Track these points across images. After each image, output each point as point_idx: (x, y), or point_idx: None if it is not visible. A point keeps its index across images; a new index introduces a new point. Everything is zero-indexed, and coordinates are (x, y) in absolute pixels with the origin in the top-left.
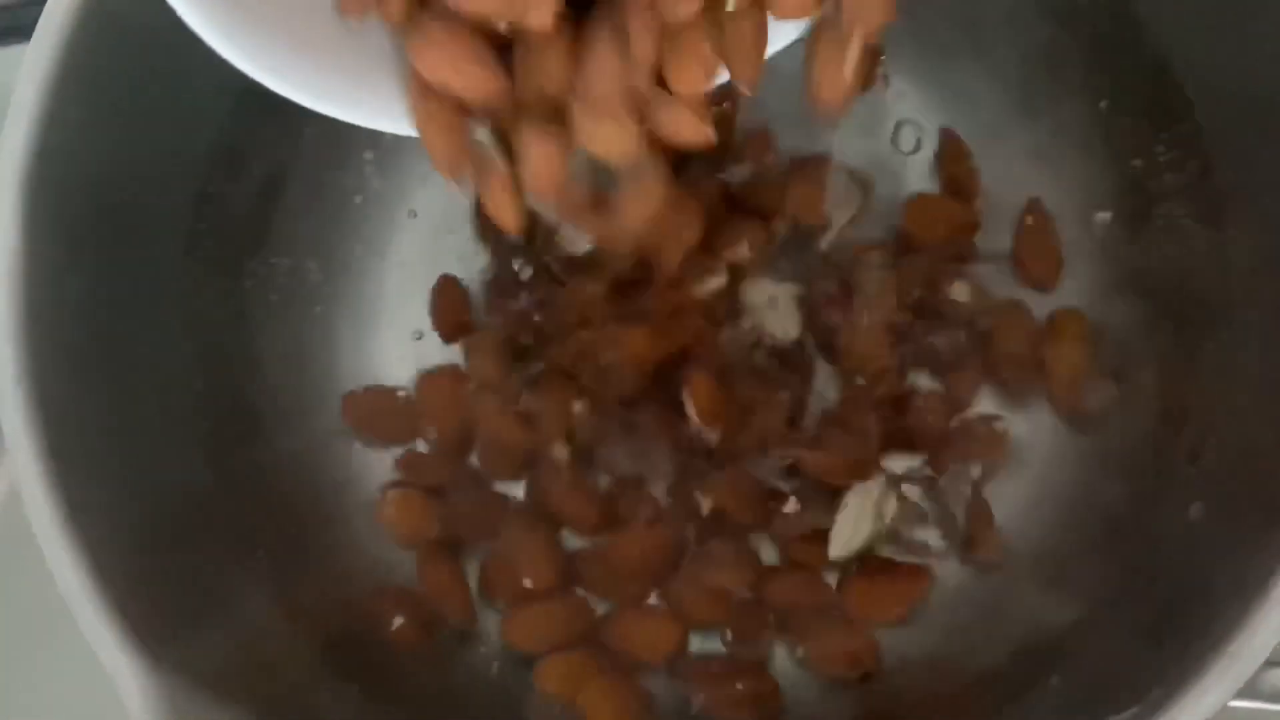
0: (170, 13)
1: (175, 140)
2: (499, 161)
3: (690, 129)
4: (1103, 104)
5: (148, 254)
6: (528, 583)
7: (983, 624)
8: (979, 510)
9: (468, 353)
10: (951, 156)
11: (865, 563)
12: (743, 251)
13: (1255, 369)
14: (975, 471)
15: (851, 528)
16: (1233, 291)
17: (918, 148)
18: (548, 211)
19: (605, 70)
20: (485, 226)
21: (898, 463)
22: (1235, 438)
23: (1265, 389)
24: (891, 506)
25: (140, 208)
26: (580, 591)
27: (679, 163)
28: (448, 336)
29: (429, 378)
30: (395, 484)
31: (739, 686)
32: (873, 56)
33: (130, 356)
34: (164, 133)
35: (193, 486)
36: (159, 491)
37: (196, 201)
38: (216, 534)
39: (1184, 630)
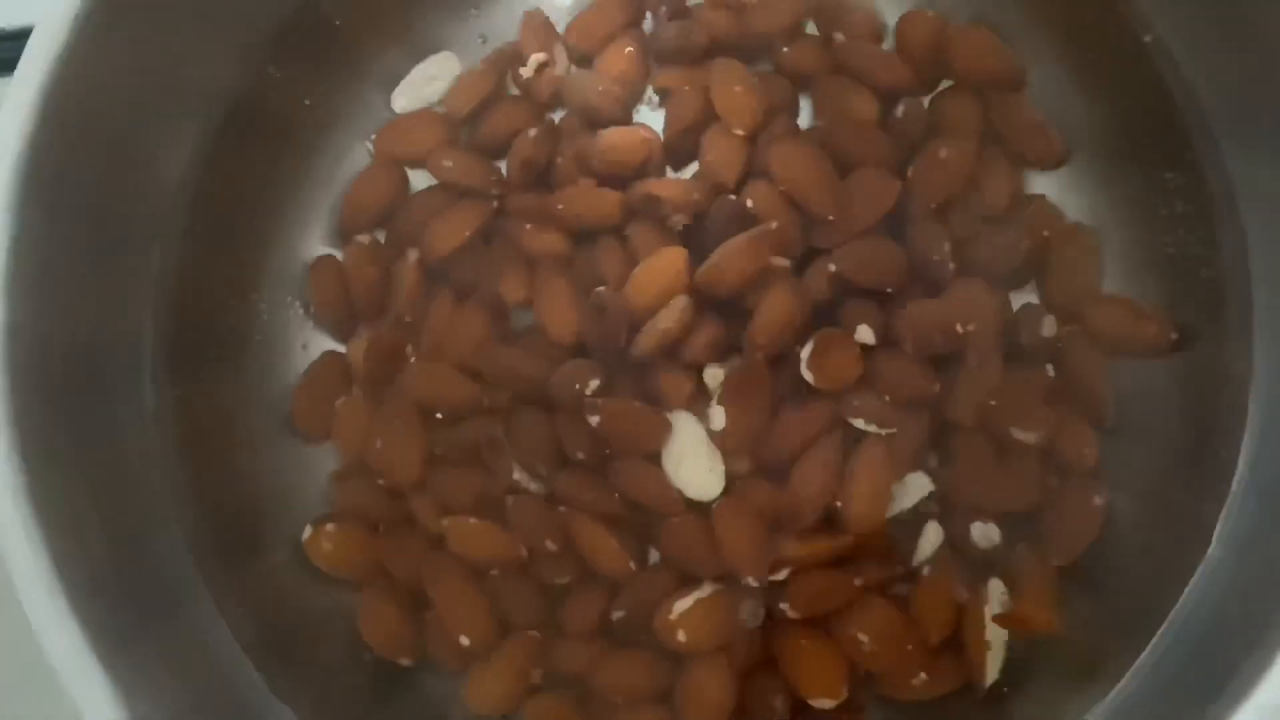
0: (154, 46)
1: (153, 169)
2: None
3: None
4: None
5: (128, 281)
6: (465, 641)
7: None
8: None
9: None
10: None
11: None
12: None
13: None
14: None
15: None
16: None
17: None
18: None
19: None
20: None
21: None
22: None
23: None
24: None
25: (119, 232)
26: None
27: None
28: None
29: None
30: (326, 516)
31: None
32: None
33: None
34: (143, 163)
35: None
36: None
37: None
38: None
39: (1205, 678)
